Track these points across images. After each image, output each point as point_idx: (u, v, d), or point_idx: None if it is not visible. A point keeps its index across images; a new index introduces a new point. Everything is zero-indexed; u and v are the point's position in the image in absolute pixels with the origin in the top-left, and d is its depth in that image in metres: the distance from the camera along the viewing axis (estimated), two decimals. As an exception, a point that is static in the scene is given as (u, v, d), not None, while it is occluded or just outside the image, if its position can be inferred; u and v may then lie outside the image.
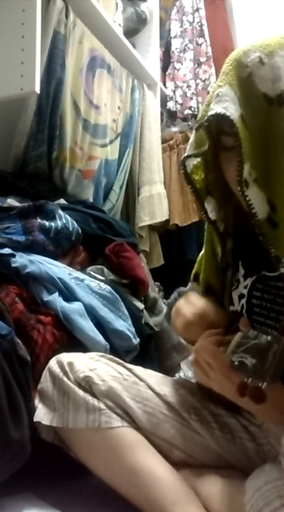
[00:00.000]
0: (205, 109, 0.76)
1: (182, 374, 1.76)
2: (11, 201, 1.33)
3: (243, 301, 0.84)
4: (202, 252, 0.98)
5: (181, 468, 0.85)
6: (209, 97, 0.76)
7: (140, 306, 1.38)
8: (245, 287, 0.85)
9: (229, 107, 0.71)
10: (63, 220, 1.29)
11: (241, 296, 0.85)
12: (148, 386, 0.90)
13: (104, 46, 1.71)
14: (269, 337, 0.64)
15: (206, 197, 0.86)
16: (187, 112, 2.34)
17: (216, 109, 0.71)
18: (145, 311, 1.40)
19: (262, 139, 0.73)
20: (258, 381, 0.61)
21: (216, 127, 0.75)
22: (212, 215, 0.86)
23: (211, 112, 0.72)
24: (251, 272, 0.85)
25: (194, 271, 1.01)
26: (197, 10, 2.40)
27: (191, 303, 0.88)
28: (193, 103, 2.34)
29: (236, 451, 0.86)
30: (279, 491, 0.66)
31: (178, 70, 2.39)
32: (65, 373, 0.88)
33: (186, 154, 0.81)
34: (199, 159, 0.83)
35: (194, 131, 0.81)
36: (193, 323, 0.85)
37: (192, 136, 0.81)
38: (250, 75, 0.73)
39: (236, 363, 0.64)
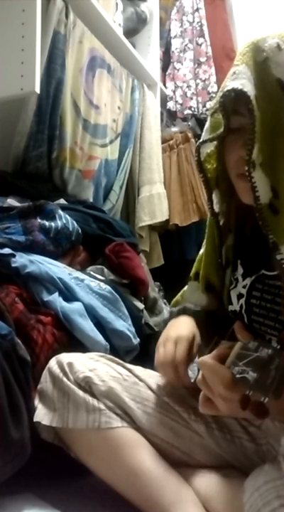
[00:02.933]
0: (221, 90, 0.76)
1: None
2: (11, 201, 1.33)
3: (242, 301, 0.84)
4: (201, 250, 0.98)
5: (181, 469, 0.85)
6: (226, 79, 0.77)
7: (140, 306, 1.38)
8: (244, 287, 0.85)
9: (246, 84, 0.71)
10: (63, 220, 1.29)
11: (239, 296, 0.85)
12: (147, 386, 0.90)
13: (104, 46, 1.71)
14: (270, 350, 0.63)
15: (215, 188, 0.86)
16: (187, 111, 2.34)
17: (232, 85, 0.72)
18: (145, 311, 1.40)
19: (272, 124, 0.73)
20: (261, 395, 0.61)
21: (229, 107, 0.76)
22: (216, 208, 0.87)
23: (227, 88, 0.72)
24: (250, 271, 0.85)
25: (194, 269, 1.02)
26: (197, 10, 2.40)
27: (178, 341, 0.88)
28: (193, 103, 2.34)
29: (236, 451, 0.86)
30: (278, 490, 0.66)
31: (178, 70, 2.39)
32: (65, 374, 0.88)
33: (201, 140, 0.81)
34: (212, 147, 0.83)
35: (209, 118, 0.81)
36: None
37: (207, 123, 0.81)
38: (266, 60, 0.74)
39: (237, 375, 0.63)
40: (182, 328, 0.92)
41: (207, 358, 0.70)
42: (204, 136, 0.81)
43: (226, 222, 0.89)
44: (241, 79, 0.72)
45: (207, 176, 0.84)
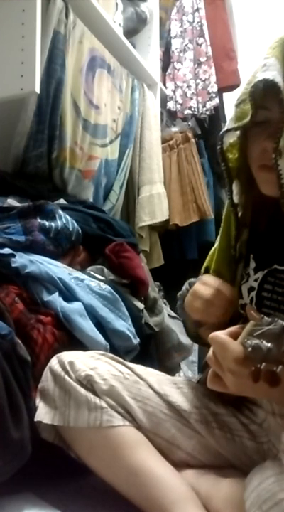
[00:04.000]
0: (249, 82, 0.78)
1: (182, 374, 1.77)
2: (11, 201, 1.33)
3: (253, 294, 0.85)
4: (215, 245, 0.99)
5: (181, 468, 0.85)
6: (254, 72, 0.78)
7: (140, 306, 1.38)
8: (255, 280, 0.86)
9: (277, 76, 0.73)
10: (63, 220, 1.29)
11: (250, 290, 0.86)
12: (148, 385, 0.90)
13: (104, 46, 1.71)
14: None
15: (235, 178, 0.87)
16: (187, 111, 2.34)
17: (263, 75, 0.73)
18: (145, 311, 1.40)
19: None
20: (273, 365, 0.60)
21: (258, 98, 0.77)
22: (236, 198, 0.88)
23: (259, 78, 0.74)
24: (262, 265, 0.86)
25: (205, 264, 1.02)
26: (197, 10, 2.39)
27: (207, 284, 0.88)
28: (193, 103, 2.33)
29: (236, 450, 0.87)
30: (280, 485, 0.66)
31: (178, 70, 2.39)
32: (66, 372, 0.88)
33: (225, 128, 0.82)
34: (235, 138, 0.84)
35: (234, 108, 0.82)
36: (212, 302, 0.86)
37: (231, 113, 0.82)
38: None
39: (250, 348, 0.62)
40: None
41: (218, 333, 0.70)
42: (229, 125, 0.82)
43: (242, 216, 0.90)
44: (272, 70, 0.74)
45: (229, 166, 0.85)
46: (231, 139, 0.84)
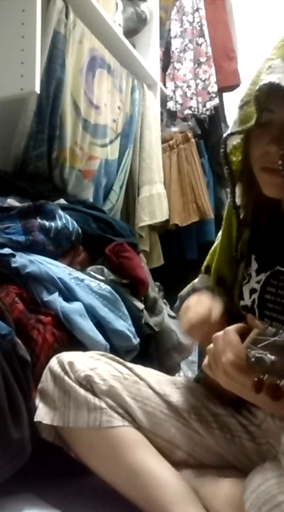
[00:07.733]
0: (253, 83, 0.77)
1: (182, 374, 1.77)
2: (11, 201, 1.33)
3: (255, 296, 0.84)
4: (215, 243, 0.98)
5: (181, 469, 0.85)
6: (257, 72, 0.77)
7: (140, 306, 1.38)
8: (258, 282, 0.85)
9: (282, 79, 0.72)
10: (63, 220, 1.29)
11: (252, 291, 0.85)
12: (148, 385, 0.90)
13: (104, 46, 1.71)
14: None
15: (238, 181, 0.87)
16: (187, 111, 2.34)
17: (269, 78, 0.72)
18: (145, 311, 1.40)
19: None
20: (277, 378, 0.60)
21: (262, 101, 0.76)
22: (238, 201, 0.87)
23: (264, 81, 0.73)
24: (265, 267, 0.85)
25: (205, 263, 1.02)
26: (197, 10, 2.39)
27: (197, 310, 0.86)
28: (193, 103, 2.33)
29: (236, 450, 0.86)
30: (279, 487, 0.66)
31: (178, 70, 2.39)
32: (66, 373, 0.88)
33: (229, 132, 0.81)
34: (239, 140, 0.83)
35: (237, 110, 0.81)
36: (195, 327, 0.84)
37: (235, 115, 0.81)
38: None
39: (253, 358, 0.62)
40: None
41: (230, 331, 0.70)
42: (233, 128, 0.81)
43: (243, 216, 0.90)
44: (277, 73, 0.73)
45: (232, 169, 0.85)
46: (235, 141, 0.83)
